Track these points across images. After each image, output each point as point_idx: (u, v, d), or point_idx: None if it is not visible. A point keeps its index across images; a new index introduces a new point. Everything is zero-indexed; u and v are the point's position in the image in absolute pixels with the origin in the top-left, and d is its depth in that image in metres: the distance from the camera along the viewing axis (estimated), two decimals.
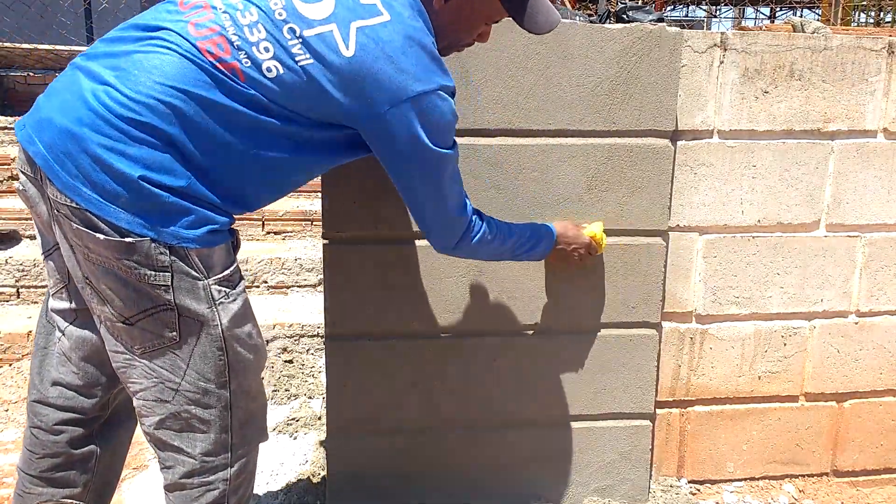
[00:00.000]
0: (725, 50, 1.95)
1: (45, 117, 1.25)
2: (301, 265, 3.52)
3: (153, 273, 1.24)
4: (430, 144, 1.33)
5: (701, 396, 2.14)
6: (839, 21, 5.53)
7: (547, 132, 1.86)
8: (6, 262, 3.22)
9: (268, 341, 3.12)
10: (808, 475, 2.24)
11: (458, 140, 1.81)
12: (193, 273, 1.27)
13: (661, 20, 1.81)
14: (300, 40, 1.25)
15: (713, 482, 2.20)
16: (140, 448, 2.22)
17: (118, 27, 1.33)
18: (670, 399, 2.12)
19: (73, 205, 1.21)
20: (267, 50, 1.24)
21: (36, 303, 3.24)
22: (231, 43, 1.24)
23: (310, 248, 3.67)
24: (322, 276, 1.90)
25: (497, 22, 1.46)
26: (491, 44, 1.78)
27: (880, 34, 2.12)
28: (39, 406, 1.48)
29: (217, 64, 1.23)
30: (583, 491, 2.07)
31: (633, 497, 2.09)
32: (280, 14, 1.26)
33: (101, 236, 1.21)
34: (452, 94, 1.35)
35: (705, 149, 1.99)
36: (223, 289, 1.31)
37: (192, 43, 1.23)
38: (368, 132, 1.33)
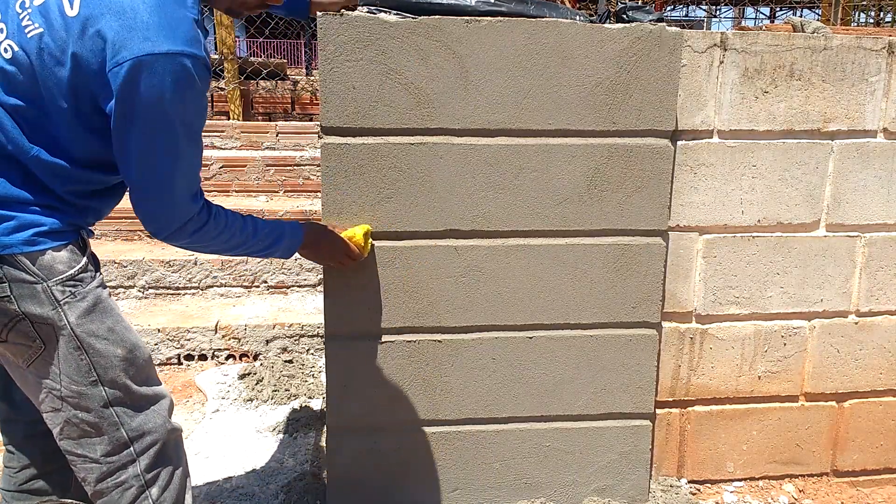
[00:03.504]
0: (725, 50, 1.95)
1: None
2: (301, 265, 3.52)
3: None
4: (166, 114, 1.21)
5: (701, 396, 2.14)
6: (839, 21, 5.53)
7: (547, 132, 1.86)
8: None
9: (268, 341, 3.12)
10: (808, 475, 2.24)
11: (458, 140, 1.83)
12: (28, 278, 1.24)
13: (661, 20, 1.80)
14: (28, 12, 1.19)
15: (713, 482, 2.20)
16: None
17: None
18: (670, 399, 2.12)
19: None
20: (1, 31, 1.20)
21: None
22: None
23: None
24: (322, 276, 1.90)
25: None
26: (491, 44, 1.78)
27: (880, 34, 2.12)
28: (7, 424, 1.50)
29: None
30: (583, 491, 2.07)
31: (633, 497, 2.09)
32: None
33: None
34: (201, 64, 1.22)
35: (705, 149, 1.99)
36: (67, 289, 1.28)
37: None
38: (99, 94, 1.21)
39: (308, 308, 3.32)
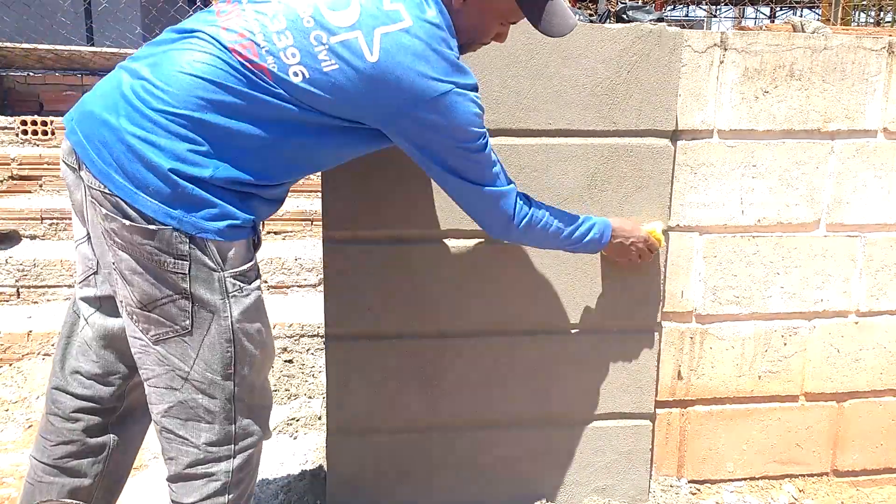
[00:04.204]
0: (725, 50, 1.95)
1: (87, 110, 1.32)
2: (301, 265, 3.52)
3: (172, 261, 1.29)
4: (456, 140, 1.39)
5: (701, 396, 2.14)
6: (839, 21, 5.53)
7: (547, 132, 1.86)
8: (6, 262, 3.22)
9: None
10: (808, 475, 2.24)
11: None
12: (210, 264, 1.32)
13: (661, 20, 1.80)
14: (326, 47, 1.29)
15: (713, 482, 2.20)
16: (141, 448, 2.22)
17: (165, 31, 1.39)
18: (670, 399, 2.12)
19: (106, 191, 1.28)
20: (294, 56, 1.29)
21: (36, 303, 3.24)
22: (259, 47, 1.29)
23: (310, 248, 3.66)
24: (322, 276, 1.90)
25: (514, 23, 1.49)
26: (491, 43, 1.78)
27: (880, 34, 2.12)
28: (58, 393, 1.51)
29: (246, 63, 1.28)
30: (583, 491, 2.07)
31: (633, 497, 2.09)
32: (308, 22, 1.30)
33: (128, 222, 1.28)
34: (474, 90, 1.40)
35: (705, 149, 1.99)
36: (238, 283, 1.36)
37: (222, 44, 1.29)
38: (395, 132, 1.39)
39: (308, 308, 3.31)
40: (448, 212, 1.86)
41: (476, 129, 1.41)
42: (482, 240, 1.88)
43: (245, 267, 1.37)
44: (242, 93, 1.29)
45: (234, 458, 1.42)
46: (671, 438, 2.16)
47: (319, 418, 2.56)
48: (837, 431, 2.22)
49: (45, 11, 5.31)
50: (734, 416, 2.16)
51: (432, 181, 1.83)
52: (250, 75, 1.28)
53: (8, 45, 4.17)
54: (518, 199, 1.54)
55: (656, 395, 2.07)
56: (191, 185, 1.27)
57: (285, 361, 3.03)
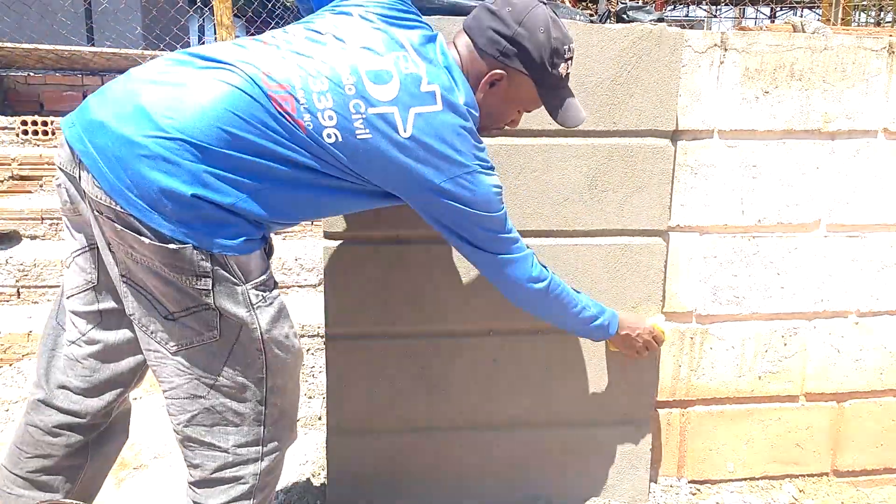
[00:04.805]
0: (726, 50, 1.95)
1: (98, 119, 1.27)
2: (301, 265, 3.52)
3: (195, 278, 1.29)
4: (475, 214, 1.44)
5: (701, 396, 2.14)
6: (839, 21, 5.53)
7: (547, 132, 1.86)
8: (6, 262, 3.22)
9: None
10: (809, 475, 2.24)
11: None
12: (233, 279, 1.32)
13: (661, 20, 1.80)
14: (363, 116, 1.33)
15: (713, 482, 2.20)
16: (140, 448, 2.22)
17: (180, 52, 1.38)
18: (670, 399, 2.12)
19: (118, 208, 1.25)
20: (331, 118, 1.32)
21: (36, 303, 3.24)
22: (298, 103, 1.31)
23: (310, 248, 3.67)
24: (322, 276, 1.90)
25: (529, 111, 1.56)
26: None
27: (881, 34, 2.12)
28: (42, 406, 1.49)
29: (285, 115, 1.30)
30: (583, 491, 2.07)
31: (633, 497, 2.09)
32: (350, 89, 1.33)
33: (146, 240, 1.26)
34: (493, 169, 1.46)
35: (705, 149, 1.99)
36: (260, 293, 1.36)
37: (262, 89, 1.29)
38: (416, 203, 1.45)
39: (308, 308, 3.32)
40: None
41: (496, 205, 1.46)
42: None
43: (264, 276, 1.38)
44: (273, 138, 1.29)
45: (261, 460, 1.42)
46: (671, 438, 2.16)
47: (319, 418, 2.56)
48: (837, 431, 2.22)
49: (45, 11, 5.31)
50: (734, 416, 2.16)
51: None
52: (285, 125, 1.30)
53: (8, 45, 4.17)
54: (535, 264, 1.57)
55: (656, 396, 2.07)
56: (211, 207, 1.27)
57: None
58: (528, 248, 1.56)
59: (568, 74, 1.49)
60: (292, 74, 1.31)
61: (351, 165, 1.35)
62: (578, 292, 1.68)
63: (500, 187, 1.47)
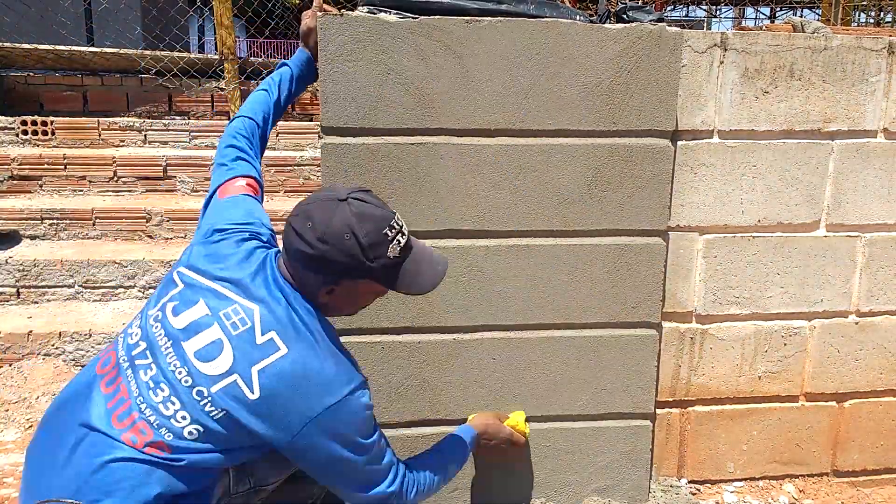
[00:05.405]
0: (725, 50, 1.95)
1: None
2: None
3: None
4: (355, 440, 1.39)
5: (701, 396, 2.14)
6: (839, 21, 5.53)
7: (547, 132, 1.86)
8: (6, 262, 3.22)
9: None
10: (808, 475, 2.24)
11: (458, 140, 1.83)
12: None
13: (661, 20, 1.79)
14: (209, 399, 1.32)
15: (713, 482, 2.20)
16: None
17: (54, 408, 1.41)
18: (670, 399, 2.12)
19: None
20: (184, 418, 1.32)
21: (36, 303, 3.24)
22: (151, 423, 1.31)
23: None
24: None
25: (385, 294, 1.49)
26: (491, 44, 1.78)
27: (880, 34, 2.11)
28: None
29: (146, 449, 1.30)
30: (583, 491, 2.07)
31: (633, 497, 2.09)
32: (186, 381, 1.33)
33: None
34: (364, 386, 1.41)
35: (705, 149, 1.99)
36: None
37: (117, 439, 1.30)
38: (291, 452, 1.38)
39: None
40: (447, 211, 1.86)
41: (369, 426, 1.42)
42: (481, 240, 1.88)
43: None
44: (151, 478, 1.30)
45: None
46: (671, 438, 2.16)
47: None
48: (837, 431, 2.22)
49: (45, 11, 5.31)
50: (734, 416, 2.16)
51: (433, 182, 1.84)
52: (150, 458, 1.30)
53: (8, 45, 4.17)
54: (401, 483, 1.50)
55: (656, 395, 2.07)
56: None
57: None
58: (394, 463, 1.50)
59: (406, 244, 1.41)
60: (135, 400, 1.33)
61: (222, 443, 1.34)
62: (434, 448, 1.69)
63: (371, 405, 1.42)
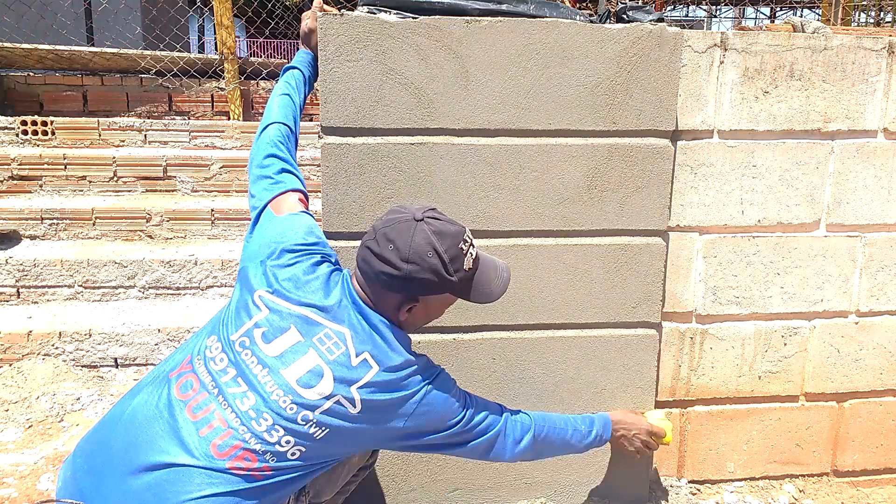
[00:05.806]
0: (725, 50, 1.95)
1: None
2: None
3: None
4: (450, 419, 1.49)
5: (701, 396, 2.14)
6: (839, 21, 5.53)
7: (547, 132, 1.86)
8: (6, 262, 3.22)
9: None
10: (809, 475, 2.24)
11: (458, 140, 1.83)
12: None
13: (661, 20, 1.79)
14: (314, 422, 1.37)
15: (713, 482, 2.20)
16: None
17: (101, 427, 1.41)
18: (670, 399, 2.12)
19: None
20: (288, 442, 1.36)
21: (36, 303, 3.24)
22: (255, 452, 1.34)
23: None
24: None
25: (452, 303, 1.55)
26: (491, 44, 1.78)
27: (880, 34, 2.11)
28: None
29: (249, 473, 1.33)
30: (583, 491, 2.07)
31: (633, 497, 2.09)
32: (290, 409, 1.36)
33: None
34: (441, 371, 1.51)
35: (705, 149, 1.99)
36: None
37: (220, 470, 1.32)
38: (398, 443, 1.49)
39: None
40: (448, 212, 1.85)
41: (457, 409, 1.51)
42: (481, 240, 1.88)
43: None
44: (243, 490, 1.33)
45: None
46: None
47: None
48: (837, 431, 2.22)
49: (45, 11, 5.31)
50: (734, 416, 2.16)
51: (433, 182, 1.84)
52: (255, 479, 1.34)
53: (8, 45, 4.17)
54: (515, 422, 1.60)
55: (656, 395, 2.07)
56: None
57: None
58: (501, 412, 1.59)
59: (476, 255, 1.48)
60: (238, 430, 1.34)
61: (325, 455, 1.41)
62: (562, 417, 1.71)
63: (453, 382, 1.51)
